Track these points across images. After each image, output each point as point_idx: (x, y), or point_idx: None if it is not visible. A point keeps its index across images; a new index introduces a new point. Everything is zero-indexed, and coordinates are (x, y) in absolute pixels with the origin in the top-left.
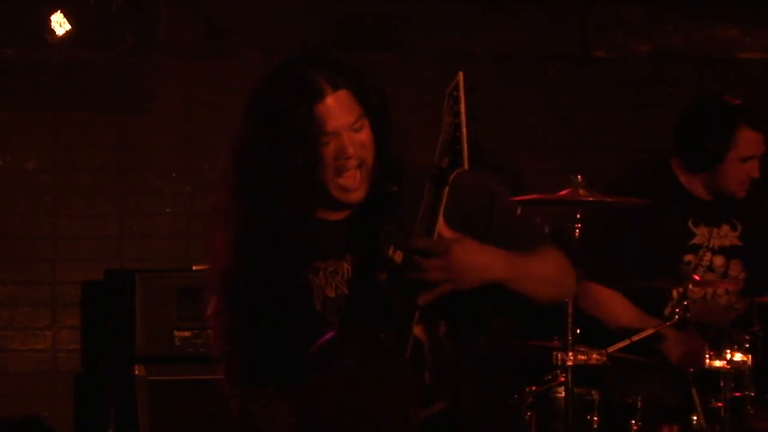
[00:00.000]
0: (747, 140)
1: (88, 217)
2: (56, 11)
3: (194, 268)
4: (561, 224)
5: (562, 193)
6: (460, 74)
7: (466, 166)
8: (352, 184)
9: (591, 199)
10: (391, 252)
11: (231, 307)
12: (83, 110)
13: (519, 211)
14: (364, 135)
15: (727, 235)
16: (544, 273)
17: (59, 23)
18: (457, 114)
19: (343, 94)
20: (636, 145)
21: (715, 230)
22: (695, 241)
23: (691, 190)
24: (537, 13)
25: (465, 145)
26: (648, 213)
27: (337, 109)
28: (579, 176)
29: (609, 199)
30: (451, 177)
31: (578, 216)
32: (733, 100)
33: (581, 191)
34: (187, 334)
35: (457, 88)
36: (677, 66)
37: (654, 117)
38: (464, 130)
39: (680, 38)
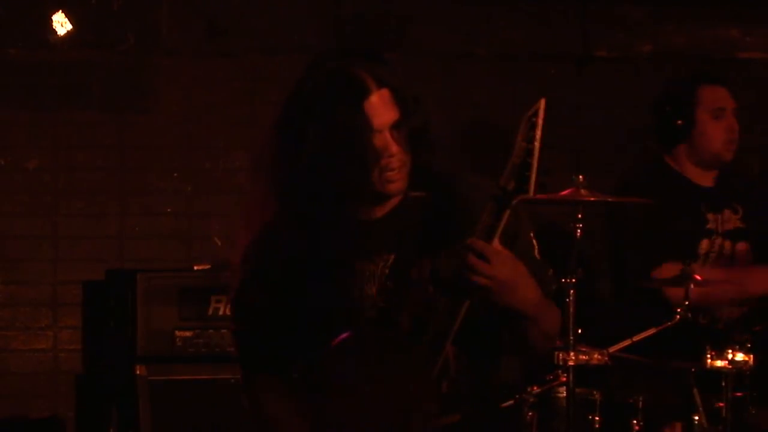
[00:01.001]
0: (709, 94)
1: (89, 216)
2: (57, 11)
3: (195, 268)
4: (562, 224)
5: (564, 192)
6: (542, 101)
7: (532, 193)
8: (396, 177)
9: (592, 199)
10: (417, 258)
11: (254, 294)
12: (84, 110)
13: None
14: (404, 135)
15: (730, 219)
16: (549, 328)
17: (60, 23)
18: (531, 140)
19: (385, 92)
20: (637, 145)
21: (719, 216)
22: (709, 226)
23: (691, 178)
24: (538, 13)
25: (534, 173)
26: (663, 206)
27: (381, 106)
28: (580, 176)
29: (610, 199)
30: (515, 201)
31: (579, 216)
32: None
33: (582, 191)
34: (188, 334)
35: (536, 114)
36: (678, 66)
37: None
38: (536, 158)
39: (681, 38)
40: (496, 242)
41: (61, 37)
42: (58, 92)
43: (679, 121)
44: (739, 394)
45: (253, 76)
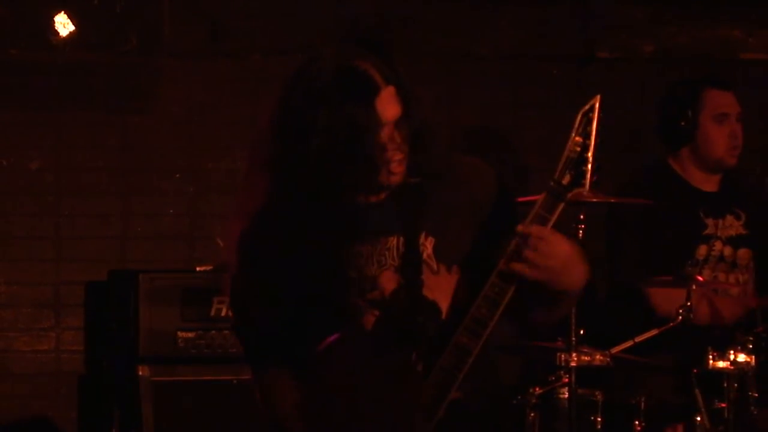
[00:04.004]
0: (715, 99)
1: (91, 217)
2: (60, 12)
3: (198, 268)
4: (564, 225)
5: None
6: (598, 97)
7: (588, 187)
8: (398, 169)
9: (594, 200)
10: (422, 238)
11: (252, 280)
12: (86, 111)
13: None
14: (405, 129)
15: (732, 225)
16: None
17: (63, 24)
18: (587, 135)
19: (391, 88)
20: (640, 146)
21: (720, 221)
22: (707, 231)
23: (692, 183)
24: (540, 13)
25: (590, 168)
26: (659, 211)
27: (388, 101)
28: None
29: (612, 200)
30: (569, 195)
31: (581, 216)
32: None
33: (584, 192)
34: (190, 334)
35: (592, 109)
36: (681, 67)
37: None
38: (592, 152)
39: (684, 39)
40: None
41: (64, 38)
42: (60, 93)
43: (683, 124)
44: (741, 394)
45: (256, 77)
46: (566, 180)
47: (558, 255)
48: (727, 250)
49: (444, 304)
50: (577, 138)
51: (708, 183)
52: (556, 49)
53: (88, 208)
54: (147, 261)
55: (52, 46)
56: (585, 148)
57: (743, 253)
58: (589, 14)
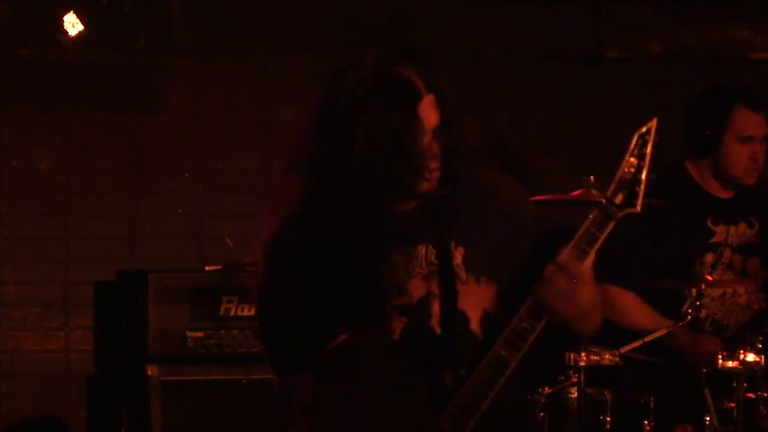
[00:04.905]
0: (743, 119)
1: (100, 217)
2: (69, 12)
3: (207, 268)
4: (573, 226)
5: (575, 193)
6: (654, 120)
7: (639, 209)
8: (432, 177)
9: (603, 200)
10: (452, 248)
11: (278, 284)
12: (96, 110)
13: None
14: (443, 138)
15: (744, 233)
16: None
17: (72, 24)
18: (642, 157)
19: (432, 96)
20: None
21: (733, 228)
22: (715, 239)
23: (707, 188)
24: (549, 13)
25: (643, 189)
26: (666, 213)
27: (430, 109)
28: (591, 177)
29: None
30: (621, 215)
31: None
32: (732, 84)
33: (593, 192)
34: (199, 334)
35: (649, 132)
36: (689, 66)
37: (666, 117)
38: (646, 174)
39: (693, 38)
40: (592, 255)
41: (73, 37)
42: (69, 93)
43: (707, 134)
44: (750, 394)
45: (265, 77)
46: (619, 199)
47: (578, 304)
48: (737, 258)
49: (472, 315)
50: (632, 159)
51: (723, 191)
52: (565, 49)
53: (97, 208)
54: (156, 261)
55: (61, 45)
56: (639, 169)
57: (753, 262)
58: (598, 14)
